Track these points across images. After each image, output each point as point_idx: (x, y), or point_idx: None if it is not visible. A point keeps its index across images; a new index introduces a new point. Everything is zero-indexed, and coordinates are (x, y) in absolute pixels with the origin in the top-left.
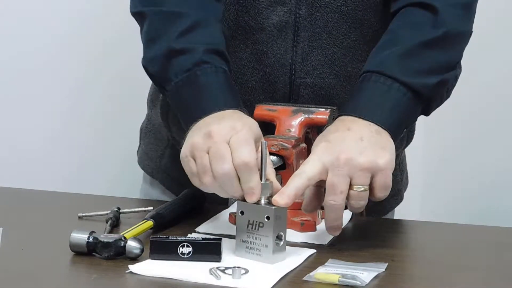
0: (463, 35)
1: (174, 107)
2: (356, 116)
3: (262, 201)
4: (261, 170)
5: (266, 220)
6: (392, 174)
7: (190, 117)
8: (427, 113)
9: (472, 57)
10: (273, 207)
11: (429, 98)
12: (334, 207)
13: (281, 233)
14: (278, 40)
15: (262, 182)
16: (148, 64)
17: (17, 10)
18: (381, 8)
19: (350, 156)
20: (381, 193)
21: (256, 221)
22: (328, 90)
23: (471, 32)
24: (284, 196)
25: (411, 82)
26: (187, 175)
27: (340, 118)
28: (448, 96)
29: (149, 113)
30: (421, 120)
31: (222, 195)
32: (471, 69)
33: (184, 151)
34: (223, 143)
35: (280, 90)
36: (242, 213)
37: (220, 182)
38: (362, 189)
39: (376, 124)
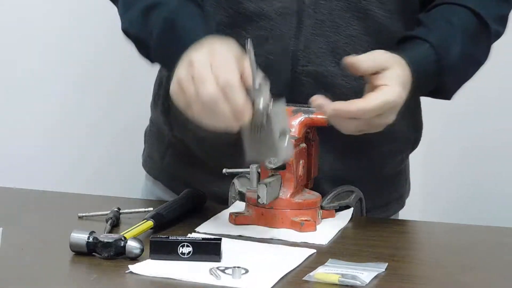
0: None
1: (161, 61)
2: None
3: (261, 106)
4: (252, 75)
5: (265, 121)
6: (396, 178)
7: (176, 60)
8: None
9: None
10: (270, 107)
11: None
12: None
13: (285, 129)
14: (280, 26)
15: (256, 87)
16: (128, 27)
17: (16, 9)
18: (386, 1)
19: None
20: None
21: (258, 124)
22: (329, 79)
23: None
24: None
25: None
26: (182, 111)
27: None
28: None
29: (151, 116)
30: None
31: (218, 124)
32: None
33: (172, 88)
34: (204, 68)
35: (282, 77)
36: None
37: (208, 108)
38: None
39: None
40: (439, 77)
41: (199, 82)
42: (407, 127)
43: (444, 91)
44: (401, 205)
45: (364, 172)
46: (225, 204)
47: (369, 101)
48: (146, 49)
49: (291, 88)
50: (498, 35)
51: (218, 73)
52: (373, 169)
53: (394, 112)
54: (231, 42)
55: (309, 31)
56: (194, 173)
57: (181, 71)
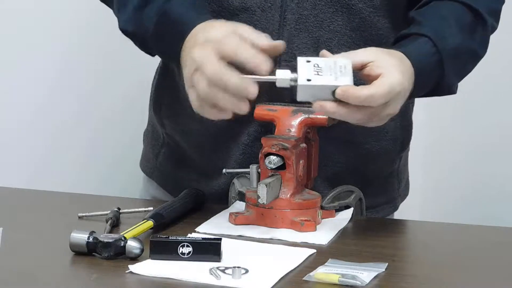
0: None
1: (161, 53)
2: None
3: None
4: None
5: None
6: (388, 180)
7: (176, 52)
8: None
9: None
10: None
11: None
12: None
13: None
14: (262, 21)
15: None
16: (126, 26)
17: (15, 10)
18: None
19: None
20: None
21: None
22: None
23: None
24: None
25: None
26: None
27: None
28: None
29: (149, 117)
30: (422, 120)
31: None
32: (473, 71)
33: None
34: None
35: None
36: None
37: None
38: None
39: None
40: (440, 69)
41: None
42: (394, 127)
43: (446, 85)
44: (393, 208)
45: (350, 171)
46: (225, 204)
47: (377, 88)
48: (145, 44)
49: (275, 83)
50: (492, 28)
51: (238, 51)
52: (359, 168)
53: (399, 101)
54: (228, 25)
55: (292, 26)
56: (185, 172)
57: (189, 69)
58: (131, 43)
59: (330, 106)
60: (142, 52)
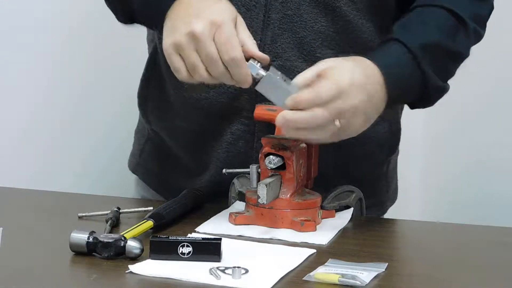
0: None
1: (146, 20)
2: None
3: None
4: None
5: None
6: (377, 183)
7: (160, 12)
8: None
9: (473, 59)
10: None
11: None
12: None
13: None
14: (246, 19)
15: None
16: None
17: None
18: (355, 0)
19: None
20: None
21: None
22: (295, 73)
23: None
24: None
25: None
26: (172, 69)
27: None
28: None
29: (139, 115)
30: (421, 120)
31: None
32: (471, 71)
33: (167, 47)
34: (210, 44)
35: None
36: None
37: (214, 79)
38: (339, 126)
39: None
40: (418, 69)
41: (209, 60)
42: (383, 132)
43: (432, 86)
44: (382, 212)
45: (338, 172)
46: (225, 204)
47: (320, 84)
48: (128, 11)
49: (256, 82)
50: (478, 35)
51: (223, 50)
52: (347, 170)
53: (356, 94)
54: (225, 5)
55: (276, 25)
56: (168, 169)
57: (180, 37)
58: (129, 43)
59: (286, 112)
60: (141, 51)
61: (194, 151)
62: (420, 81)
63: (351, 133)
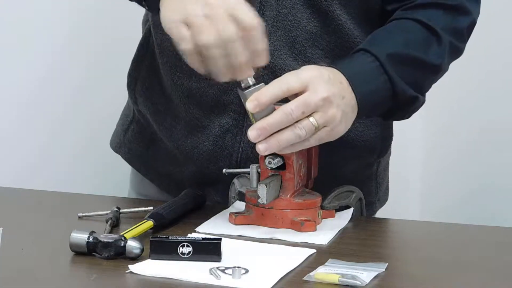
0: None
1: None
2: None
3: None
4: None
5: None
6: (366, 184)
7: None
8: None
9: (472, 59)
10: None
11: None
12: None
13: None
14: None
15: None
16: None
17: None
18: (348, 4)
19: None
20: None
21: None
22: (285, 72)
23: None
24: (255, 103)
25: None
26: (175, 40)
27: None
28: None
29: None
30: (420, 120)
31: (220, 64)
32: (471, 70)
33: (173, 17)
34: (222, 10)
35: None
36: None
37: (224, 44)
38: (316, 125)
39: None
40: (385, 75)
41: (218, 20)
42: (374, 136)
43: (402, 94)
44: (371, 213)
45: (327, 172)
46: (225, 204)
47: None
48: None
49: None
50: (456, 48)
51: (242, 17)
52: (335, 171)
53: (324, 84)
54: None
55: (270, 22)
56: (152, 151)
57: (192, 6)
58: (128, 43)
59: (254, 124)
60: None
61: (180, 138)
62: (388, 86)
63: (334, 127)
